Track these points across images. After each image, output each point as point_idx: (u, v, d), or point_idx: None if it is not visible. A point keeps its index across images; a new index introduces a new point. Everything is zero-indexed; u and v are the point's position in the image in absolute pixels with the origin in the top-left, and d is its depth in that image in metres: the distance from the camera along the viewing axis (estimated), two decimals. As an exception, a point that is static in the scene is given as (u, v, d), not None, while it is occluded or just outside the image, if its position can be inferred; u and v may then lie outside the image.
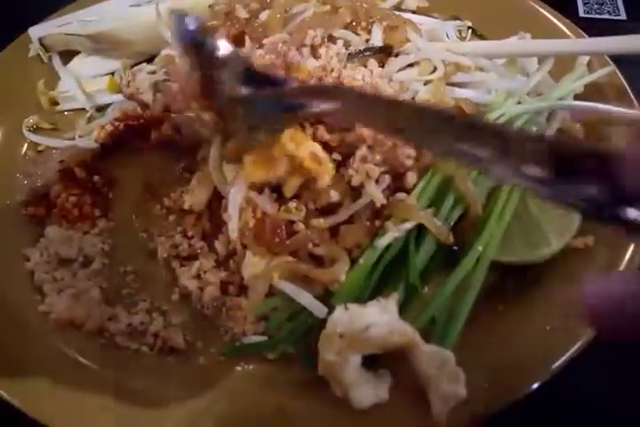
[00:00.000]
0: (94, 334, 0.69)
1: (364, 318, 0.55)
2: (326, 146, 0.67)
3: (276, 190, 0.68)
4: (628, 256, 0.67)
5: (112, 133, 0.92)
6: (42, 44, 1.02)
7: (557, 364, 0.59)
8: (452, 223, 0.68)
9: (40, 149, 0.95)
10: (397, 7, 1.06)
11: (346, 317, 0.55)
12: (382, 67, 0.77)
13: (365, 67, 0.74)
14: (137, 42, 1.01)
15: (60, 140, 0.94)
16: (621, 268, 0.66)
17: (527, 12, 1.05)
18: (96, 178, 0.87)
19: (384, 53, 0.78)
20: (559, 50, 0.76)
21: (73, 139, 0.95)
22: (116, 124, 0.92)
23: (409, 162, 0.67)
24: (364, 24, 0.81)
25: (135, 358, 0.68)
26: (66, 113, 1.01)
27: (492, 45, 0.78)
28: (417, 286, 0.65)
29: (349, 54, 0.75)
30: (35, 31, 1.02)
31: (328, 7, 0.82)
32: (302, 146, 0.63)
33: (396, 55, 0.78)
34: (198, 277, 0.72)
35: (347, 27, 0.81)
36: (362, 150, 0.66)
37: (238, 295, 0.70)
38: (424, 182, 0.67)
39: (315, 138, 0.66)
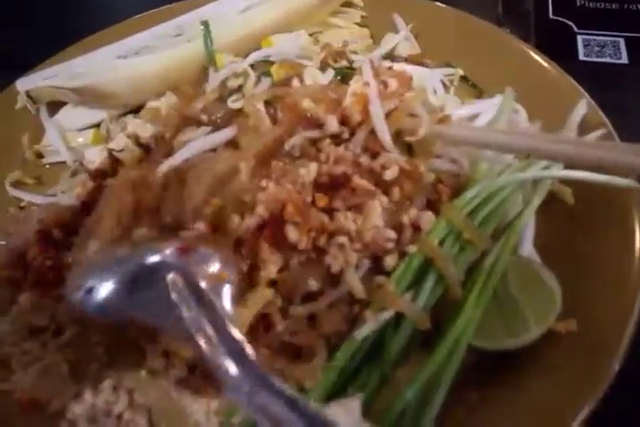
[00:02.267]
0: (56, 418, 0.67)
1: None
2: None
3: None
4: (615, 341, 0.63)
5: (92, 191, 0.90)
6: (29, 96, 1.02)
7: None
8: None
9: (22, 204, 0.94)
10: (390, 55, 1.04)
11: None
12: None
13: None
14: (122, 94, 1.00)
15: (42, 197, 0.93)
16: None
17: (521, 59, 1.01)
18: (74, 239, 0.85)
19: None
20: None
21: (55, 195, 0.94)
22: (95, 181, 0.90)
23: (389, 245, 0.64)
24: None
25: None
26: (51, 166, 1.00)
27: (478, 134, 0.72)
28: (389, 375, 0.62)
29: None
30: (22, 83, 1.02)
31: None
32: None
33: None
34: (166, 355, 0.69)
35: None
36: (341, 238, 0.63)
37: (206, 378, 0.67)
38: (404, 265, 0.64)
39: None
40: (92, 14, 1.38)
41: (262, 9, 1.06)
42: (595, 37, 1.14)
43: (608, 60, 1.10)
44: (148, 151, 0.94)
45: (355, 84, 0.77)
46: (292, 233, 0.66)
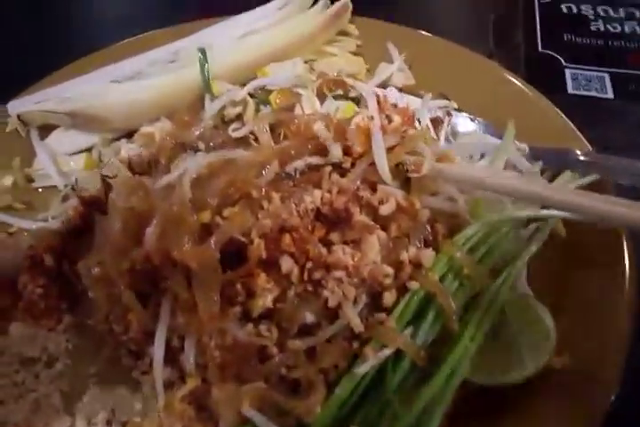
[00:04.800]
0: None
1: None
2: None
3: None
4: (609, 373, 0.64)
5: (82, 215, 0.89)
6: (20, 119, 1.00)
7: None
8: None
9: (12, 230, 0.92)
10: (384, 84, 1.05)
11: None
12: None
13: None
14: (115, 120, 1.00)
15: (32, 222, 0.92)
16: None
17: (512, 92, 1.03)
18: (65, 265, 0.84)
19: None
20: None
21: (46, 220, 0.93)
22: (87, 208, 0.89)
23: (387, 281, 0.65)
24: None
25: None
26: (42, 191, 0.99)
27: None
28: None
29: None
30: (13, 106, 1.01)
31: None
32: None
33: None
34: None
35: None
36: (338, 272, 0.63)
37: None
38: (405, 302, 0.64)
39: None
40: (83, 35, 1.37)
41: (260, 37, 1.07)
42: (582, 72, 1.17)
43: (594, 93, 1.13)
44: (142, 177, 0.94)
45: (359, 116, 0.78)
46: (285, 263, 0.66)
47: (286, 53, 1.08)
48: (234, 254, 0.69)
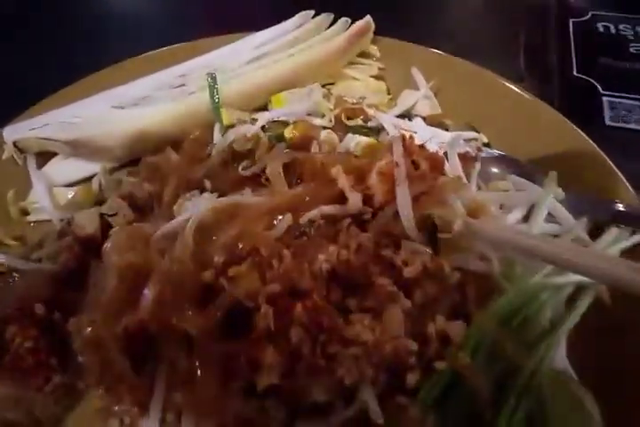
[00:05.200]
0: None
1: None
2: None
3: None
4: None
5: (78, 257, 0.83)
6: (16, 146, 0.94)
7: None
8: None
9: (1, 270, 0.85)
10: (407, 113, 0.97)
11: None
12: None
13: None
14: (117, 149, 0.93)
15: (24, 262, 0.85)
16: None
17: (546, 124, 0.95)
18: (57, 315, 0.77)
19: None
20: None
21: (39, 260, 0.86)
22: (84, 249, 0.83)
23: (411, 359, 0.57)
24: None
25: None
26: (37, 225, 0.92)
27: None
28: None
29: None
30: (9, 132, 0.94)
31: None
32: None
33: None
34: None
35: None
36: (355, 348, 0.56)
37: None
38: (430, 385, 0.57)
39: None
40: (84, 53, 1.29)
41: (273, 60, 0.99)
42: (621, 100, 1.08)
43: (634, 126, 1.04)
44: (143, 214, 0.87)
45: (382, 162, 0.70)
46: (296, 335, 0.58)
47: (302, 78, 1.00)
48: (239, 317, 0.62)
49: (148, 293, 0.62)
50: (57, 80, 1.06)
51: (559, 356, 0.62)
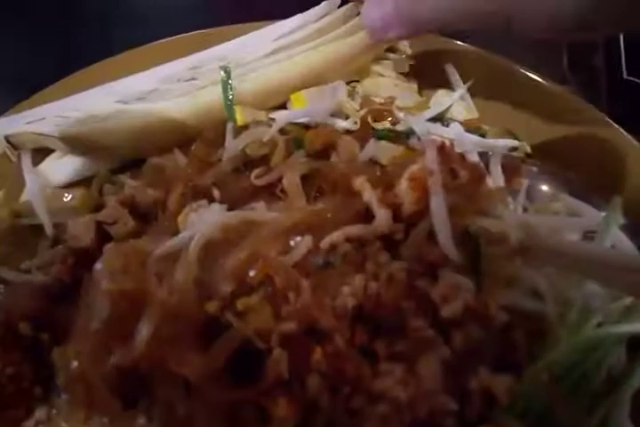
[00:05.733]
0: None
1: None
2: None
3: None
4: None
5: (71, 271, 0.75)
6: (9, 142, 0.85)
7: None
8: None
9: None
10: (440, 117, 0.87)
11: None
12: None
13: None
14: (119, 147, 0.84)
15: (14, 273, 0.77)
16: None
17: (596, 134, 0.85)
18: (45, 336, 0.69)
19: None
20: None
21: (29, 270, 0.77)
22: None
23: (449, 422, 0.48)
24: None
25: None
26: (30, 229, 0.84)
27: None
28: None
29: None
30: (1, 126, 0.85)
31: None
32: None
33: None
34: None
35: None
36: (384, 405, 0.48)
37: None
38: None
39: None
40: (86, 41, 1.19)
41: (294, 53, 0.89)
42: (680, 107, 0.97)
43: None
44: (146, 223, 0.78)
45: (414, 167, 0.60)
46: (313, 384, 0.50)
47: (325, 74, 0.91)
48: (247, 359, 0.53)
49: (143, 328, 0.53)
50: (56, 70, 0.97)
51: (622, 418, 0.53)
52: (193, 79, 0.89)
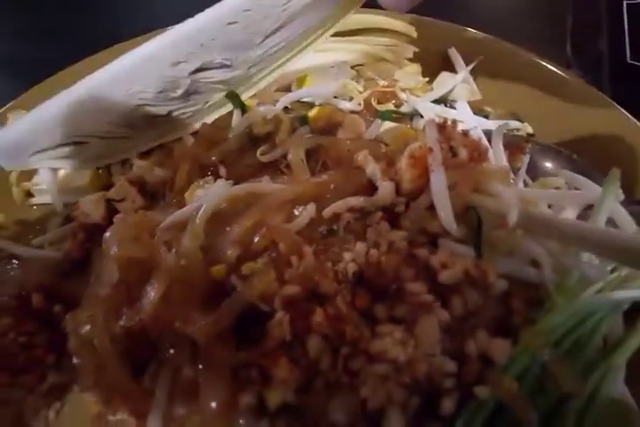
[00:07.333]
0: None
1: None
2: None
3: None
4: None
5: (82, 245, 0.76)
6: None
7: None
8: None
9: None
10: (443, 99, 0.88)
11: None
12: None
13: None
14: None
15: (25, 249, 0.79)
16: None
17: (599, 116, 0.86)
18: (57, 308, 0.71)
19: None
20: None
21: (42, 247, 0.79)
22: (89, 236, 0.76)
23: (448, 382, 0.49)
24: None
25: None
26: (41, 208, 0.86)
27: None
28: None
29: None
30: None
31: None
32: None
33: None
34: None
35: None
36: (383, 365, 0.48)
37: None
38: (469, 413, 0.49)
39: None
40: (89, 29, 1.20)
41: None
42: (683, 91, 0.98)
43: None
44: (154, 201, 0.80)
45: (414, 145, 0.62)
46: (314, 346, 0.51)
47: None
48: (250, 321, 0.55)
49: (151, 291, 0.55)
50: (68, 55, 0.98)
51: (617, 383, 0.54)
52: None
